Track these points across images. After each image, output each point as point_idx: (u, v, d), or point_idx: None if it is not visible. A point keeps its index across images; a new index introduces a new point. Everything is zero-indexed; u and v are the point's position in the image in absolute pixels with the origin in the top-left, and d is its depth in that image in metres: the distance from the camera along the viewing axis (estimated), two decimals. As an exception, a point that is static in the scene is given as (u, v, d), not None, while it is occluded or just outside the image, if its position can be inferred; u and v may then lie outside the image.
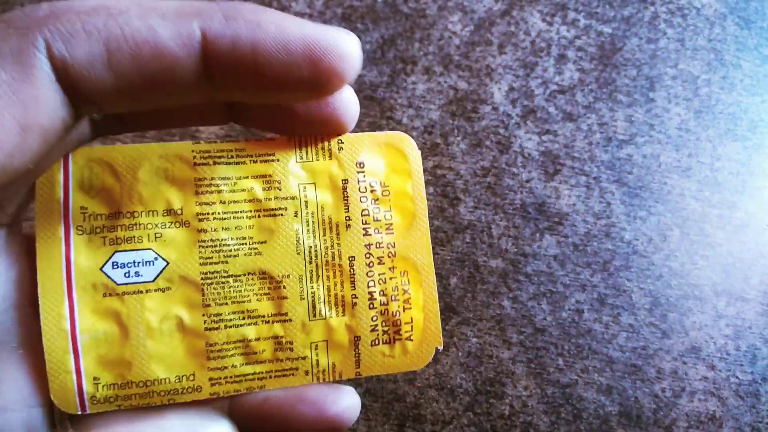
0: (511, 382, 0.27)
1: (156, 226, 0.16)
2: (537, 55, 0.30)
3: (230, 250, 0.16)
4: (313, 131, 0.17)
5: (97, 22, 0.13)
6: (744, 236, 0.29)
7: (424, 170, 0.29)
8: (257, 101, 0.16)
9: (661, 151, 0.29)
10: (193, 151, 0.16)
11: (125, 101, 0.14)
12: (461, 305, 0.27)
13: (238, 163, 0.17)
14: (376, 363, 0.17)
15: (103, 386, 0.15)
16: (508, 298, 0.28)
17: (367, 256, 0.17)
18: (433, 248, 0.28)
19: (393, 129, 0.29)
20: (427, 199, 0.25)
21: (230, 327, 0.16)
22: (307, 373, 0.16)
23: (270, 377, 0.16)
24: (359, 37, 0.29)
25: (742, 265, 0.29)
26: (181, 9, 0.14)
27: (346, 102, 0.16)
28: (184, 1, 0.14)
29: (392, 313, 0.17)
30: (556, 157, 0.29)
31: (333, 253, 0.17)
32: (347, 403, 0.17)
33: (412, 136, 0.29)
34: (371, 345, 0.17)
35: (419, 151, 0.17)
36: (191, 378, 0.16)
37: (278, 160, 0.17)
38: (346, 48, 0.15)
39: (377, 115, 0.29)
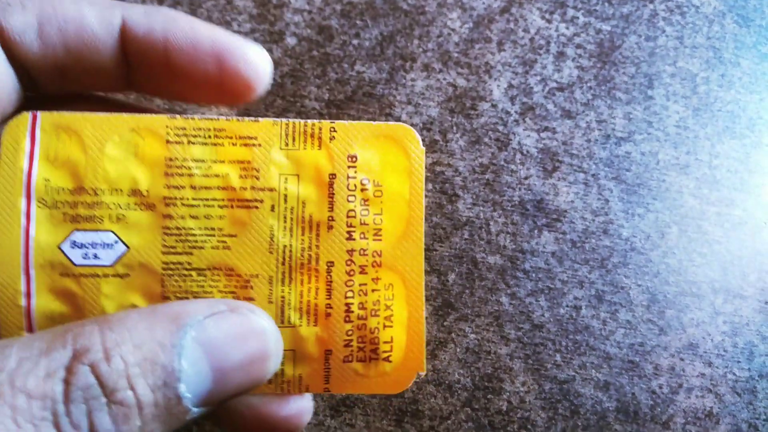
0: (509, 377, 0.27)
1: (119, 206, 0.15)
2: (536, 53, 0.30)
3: (196, 241, 0.15)
4: (211, 94, 0.16)
5: (33, 0, 0.14)
6: (742, 234, 0.29)
7: (423, 167, 0.29)
8: (169, 93, 0.17)
9: (660, 148, 0.29)
10: (167, 127, 0.15)
11: (51, 73, 0.15)
12: (459, 301, 0.27)
13: (215, 144, 0.15)
14: (348, 381, 0.15)
15: None
16: (507, 295, 0.28)
17: (348, 263, 0.15)
18: (432, 244, 0.28)
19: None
20: (426, 196, 0.25)
21: None
22: (270, 382, 0.15)
23: None
24: (358, 33, 0.29)
25: (740, 262, 0.29)
26: (112, 1, 0.15)
27: (252, 62, 0.16)
28: None
29: (370, 329, 0.15)
30: (554, 154, 0.29)
31: (310, 255, 0.15)
32: (298, 406, 0.16)
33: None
34: (343, 361, 0.15)
35: (423, 148, 0.15)
36: None
37: (260, 145, 0.15)
38: (252, 56, 0.15)
39: (376, 111, 0.29)
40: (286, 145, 0.15)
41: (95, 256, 0.15)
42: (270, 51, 0.29)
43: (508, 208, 0.28)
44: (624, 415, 0.27)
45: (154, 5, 0.16)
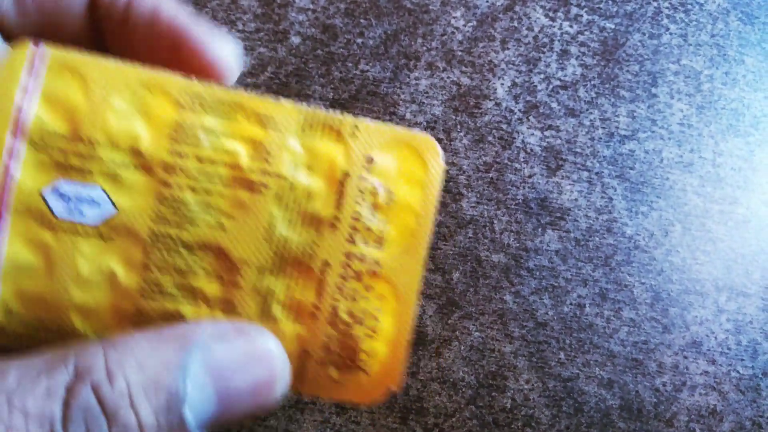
0: (513, 375, 0.27)
1: (115, 163, 0.13)
2: (540, 51, 0.30)
3: (191, 216, 0.14)
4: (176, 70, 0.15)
5: None
6: (746, 232, 0.29)
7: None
8: (140, 62, 0.17)
9: (663, 146, 0.29)
10: (182, 90, 0.14)
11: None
12: (464, 300, 0.28)
13: (229, 118, 0.14)
14: (321, 384, 0.15)
15: (15, 320, 0.13)
16: (510, 293, 0.28)
17: (345, 266, 0.14)
18: (436, 243, 0.28)
19: (396, 124, 0.29)
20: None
21: (167, 299, 0.14)
22: None
23: None
24: (362, 32, 0.29)
25: (744, 260, 0.29)
26: None
27: (212, 52, 0.15)
28: None
29: (353, 336, 0.15)
30: (558, 152, 0.29)
31: (306, 251, 0.14)
32: (229, 49, 0.15)
33: (415, 132, 0.29)
34: (319, 363, 0.15)
35: (443, 165, 0.14)
36: None
37: (276, 128, 0.14)
38: (216, 44, 0.15)
39: (380, 110, 0.29)
40: (304, 132, 0.14)
41: (80, 212, 0.13)
42: (274, 50, 0.29)
43: (512, 206, 0.28)
44: (628, 413, 0.27)
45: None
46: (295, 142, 0.14)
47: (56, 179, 0.13)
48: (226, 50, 0.15)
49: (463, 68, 0.29)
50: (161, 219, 0.14)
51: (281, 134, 0.14)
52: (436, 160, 0.15)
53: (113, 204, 0.14)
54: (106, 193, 0.13)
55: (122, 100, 0.14)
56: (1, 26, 0.15)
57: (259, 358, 0.13)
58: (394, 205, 0.15)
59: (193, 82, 0.14)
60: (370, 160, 0.14)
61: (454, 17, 0.30)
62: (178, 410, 0.12)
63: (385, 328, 0.15)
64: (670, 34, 0.31)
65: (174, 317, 0.14)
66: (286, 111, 0.14)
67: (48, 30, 0.15)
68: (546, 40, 0.30)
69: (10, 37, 0.15)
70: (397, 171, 0.15)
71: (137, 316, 0.14)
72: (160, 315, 0.14)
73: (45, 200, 0.13)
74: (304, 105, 0.14)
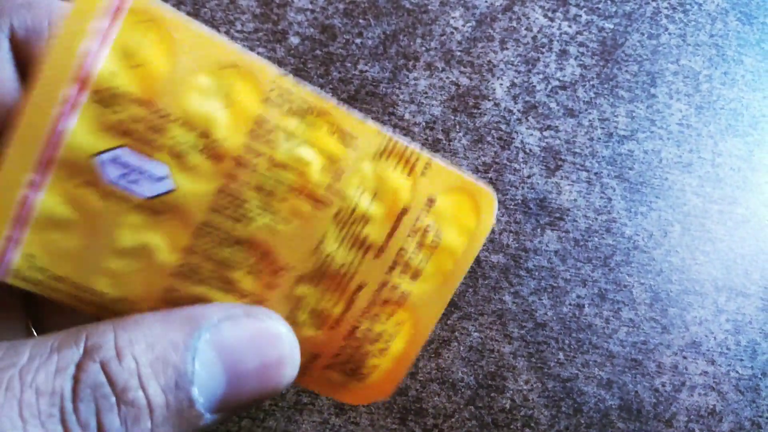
0: (512, 376, 0.27)
1: (185, 143, 0.13)
2: (538, 51, 0.30)
3: (248, 213, 0.13)
4: None
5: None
6: (745, 232, 0.29)
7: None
8: None
9: (662, 146, 0.29)
10: (273, 82, 0.13)
11: None
12: (463, 300, 0.28)
13: (313, 125, 0.13)
14: (317, 381, 0.15)
15: (35, 267, 0.12)
16: (510, 293, 0.28)
17: (377, 292, 0.15)
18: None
19: (395, 125, 0.29)
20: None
21: (200, 285, 0.14)
22: None
23: None
24: (361, 33, 0.29)
25: (743, 260, 0.29)
26: None
27: None
28: None
29: (363, 352, 0.15)
30: (557, 152, 0.29)
31: (346, 272, 0.14)
32: None
33: (414, 132, 0.29)
34: (324, 367, 0.15)
35: (495, 222, 0.15)
36: (133, 311, 0.13)
37: (356, 148, 0.14)
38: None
39: (379, 111, 0.29)
40: (380, 158, 0.14)
41: (135, 182, 0.12)
42: (273, 50, 0.29)
43: (511, 206, 0.28)
44: (627, 413, 0.27)
45: None
46: (368, 167, 0.14)
47: (119, 146, 0.12)
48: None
49: (462, 68, 0.29)
50: (218, 209, 0.13)
51: (359, 156, 0.14)
52: (490, 216, 0.15)
53: (173, 182, 0.13)
54: (168, 171, 0.13)
55: (209, 76, 0.13)
56: (29, 61, 0.15)
57: (268, 339, 0.13)
58: (439, 248, 0.15)
59: (285, 76, 0.13)
60: (431, 202, 0.14)
61: (453, 17, 0.30)
62: (186, 389, 0.12)
63: (395, 349, 0.15)
64: (669, 34, 0.31)
65: (201, 302, 0.14)
66: (370, 133, 0.14)
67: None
68: (545, 40, 0.30)
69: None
70: (451, 216, 0.15)
71: (166, 293, 0.13)
72: (189, 298, 0.14)
73: (99, 165, 0.12)
74: (388, 130, 0.14)
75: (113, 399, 0.11)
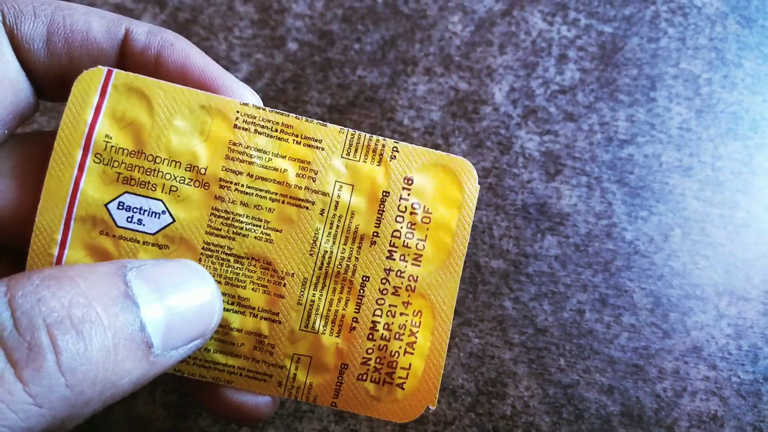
0: (512, 382, 0.27)
1: (174, 178, 0.15)
2: (538, 55, 0.30)
3: (241, 228, 0.15)
4: None
5: (45, 10, 0.15)
6: (746, 236, 0.29)
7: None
8: None
9: (663, 150, 0.29)
10: (237, 112, 0.15)
11: (53, 81, 0.16)
12: (463, 306, 0.27)
13: (280, 139, 0.15)
14: (358, 400, 0.15)
15: None
16: (510, 299, 0.28)
17: (384, 281, 0.15)
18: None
19: (394, 130, 0.29)
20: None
21: None
22: (280, 384, 0.15)
23: (240, 375, 0.15)
24: (359, 38, 0.29)
25: (744, 264, 0.29)
26: (119, 16, 0.16)
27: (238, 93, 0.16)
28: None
29: (391, 351, 0.15)
30: (557, 157, 0.29)
31: (348, 266, 0.15)
32: (253, 100, 0.17)
33: (413, 138, 0.29)
34: (357, 378, 0.15)
35: (478, 186, 0.15)
36: None
37: (323, 149, 0.15)
38: (241, 94, 0.16)
39: (378, 116, 0.29)
40: (348, 154, 0.15)
41: (139, 222, 0.15)
42: (271, 56, 0.29)
43: (511, 211, 0.28)
44: (628, 419, 0.27)
45: (160, 27, 0.17)
46: (339, 163, 0.15)
47: (122, 194, 0.15)
48: (250, 101, 0.16)
49: (461, 73, 0.29)
50: (214, 230, 0.15)
51: (327, 155, 0.15)
52: (472, 182, 0.16)
53: (171, 215, 0.15)
54: (165, 206, 0.15)
55: (184, 119, 0.15)
56: (31, 66, 0.16)
57: (191, 272, 0.14)
58: (431, 223, 0.15)
59: (247, 105, 0.15)
60: (409, 181, 0.15)
61: (451, 22, 0.30)
62: (132, 310, 0.12)
63: (422, 344, 0.15)
64: (669, 37, 0.30)
65: (221, 325, 0.15)
66: (332, 134, 0.15)
67: (73, 74, 0.16)
68: (544, 44, 0.30)
69: (38, 78, 0.16)
70: (434, 192, 0.15)
71: None
72: None
73: (109, 212, 0.15)
74: (348, 128, 0.15)
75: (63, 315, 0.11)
